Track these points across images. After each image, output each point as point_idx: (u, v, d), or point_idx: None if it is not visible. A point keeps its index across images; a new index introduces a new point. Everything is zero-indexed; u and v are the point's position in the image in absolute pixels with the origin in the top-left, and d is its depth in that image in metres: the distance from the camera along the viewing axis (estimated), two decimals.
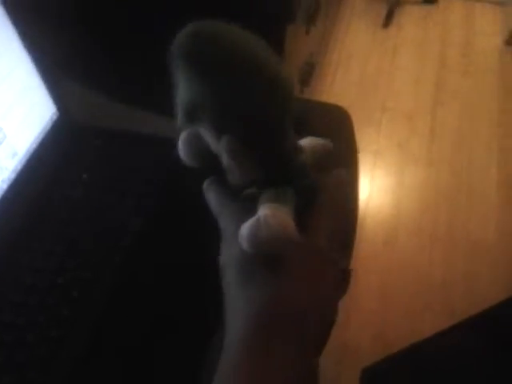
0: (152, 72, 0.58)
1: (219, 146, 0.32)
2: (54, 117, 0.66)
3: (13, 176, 0.59)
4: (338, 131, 0.77)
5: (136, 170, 0.65)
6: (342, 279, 0.35)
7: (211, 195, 0.36)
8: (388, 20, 2.43)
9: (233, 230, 0.32)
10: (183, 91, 0.31)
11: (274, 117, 0.31)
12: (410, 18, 2.49)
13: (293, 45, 1.09)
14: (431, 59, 2.31)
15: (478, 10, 2.53)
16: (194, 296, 0.54)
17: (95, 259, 0.57)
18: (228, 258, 0.33)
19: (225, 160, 0.32)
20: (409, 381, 0.99)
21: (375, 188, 1.91)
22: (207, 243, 0.38)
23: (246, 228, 0.30)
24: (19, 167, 0.60)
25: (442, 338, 1.06)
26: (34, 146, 0.63)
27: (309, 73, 1.41)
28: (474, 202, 1.87)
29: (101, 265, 0.56)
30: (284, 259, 0.31)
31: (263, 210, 0.31)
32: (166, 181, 0.64)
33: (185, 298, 0.54)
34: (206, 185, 0.37)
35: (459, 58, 2.33)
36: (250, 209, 0.32)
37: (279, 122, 0.32)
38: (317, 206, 0.34)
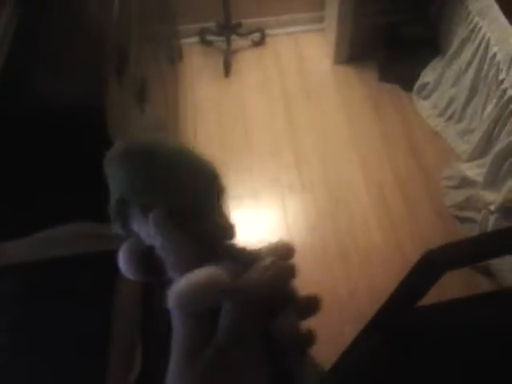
0: None
1: (149, 228, 0.32)
2: None
3: None
4: None
5: None
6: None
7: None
8: (227, 70, 2.57)
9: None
10: (112, 195, 0.33)
11: (193, 198, 0.34)
12: (246, 63, 2.66)
13: (128, 128, 1.11)
14: (275, 94, 2.47)
15: (302, 41, 2.76)
16: None
17: None
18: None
19: (157, 238, 0.32)
20: None
21: (262, 224, 1.98)
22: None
23: (171, 289, 0.30)
24: None
25: (352, 347, 1.10)
26: None
27: None
28: (351, 211, 1.99)
29: None
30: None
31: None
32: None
33: None
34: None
35: (298, 86, 2.51)
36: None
37: (200, 203, 0.34)
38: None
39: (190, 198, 0.34)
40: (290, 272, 0.33)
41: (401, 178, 2.09)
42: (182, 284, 0.30)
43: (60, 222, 0.72)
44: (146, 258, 0.33)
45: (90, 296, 0.64)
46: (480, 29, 1.95)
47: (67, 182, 0.85)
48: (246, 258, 0.33)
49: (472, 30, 2.01)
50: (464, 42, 2.08)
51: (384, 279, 1.76)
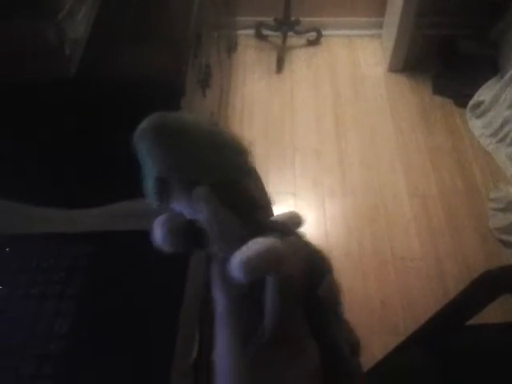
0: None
1: (193, 203, 0.32)
2: None
3: None
4: None
5: (48, 270, 0.63)
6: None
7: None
8: (279, 66, 2.57)
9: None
10: (150, 170, 0.33)
11: (231, 172, 0.34)
12: (299, 61, 2.65)
13: (192, 110, 1.13)
14: (325, 95, 2.46)
15: (358, 45, 2.74)
16: None
17: (25, 371, 0.54)
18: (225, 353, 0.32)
19: (202, 214, 0.32)
20: None
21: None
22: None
23: (236, 256, 0.30)
24: None
25: (390, 359, 1.09)
26: None
27: None
28: (391, 219, 1.97)
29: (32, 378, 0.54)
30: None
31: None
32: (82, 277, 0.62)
33: None
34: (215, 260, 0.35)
35: (350, 89, 2.50)
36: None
37: (238, 177, 0.34)
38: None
39: (229, 172, 0.34)
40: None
41: (445, 193, 2.05)
42: (248, 251, 0.30)
43: (130, 197, 0.73)
44: (184, 232, 0.33)
45: (159, 274, 0.65)
46: None
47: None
48: (282, 230, 0.34)
49: None
50: None
51: (419, 293, 1.74)
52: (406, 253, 1.86)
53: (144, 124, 0.33)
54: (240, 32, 2.71)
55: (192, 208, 0.33)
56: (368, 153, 2.22)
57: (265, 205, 0.36)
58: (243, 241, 0.32)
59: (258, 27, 2.73)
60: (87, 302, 0.61)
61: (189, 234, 0.34)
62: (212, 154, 0.34)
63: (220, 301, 0.33)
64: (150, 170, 0.33)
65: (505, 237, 1.86)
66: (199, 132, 0.34)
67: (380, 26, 2.72)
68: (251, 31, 2.75)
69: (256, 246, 0.31)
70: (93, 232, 0.68)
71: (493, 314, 1.58)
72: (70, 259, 0.64)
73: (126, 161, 0.85)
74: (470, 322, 0.98)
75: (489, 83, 2.33)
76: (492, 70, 2.37)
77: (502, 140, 2.17)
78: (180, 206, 0.34)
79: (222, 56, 1.93)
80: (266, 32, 2.74)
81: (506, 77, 2.17)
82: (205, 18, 1.27)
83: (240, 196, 0.34)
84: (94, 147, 0.83)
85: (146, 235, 0.68)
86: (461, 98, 2.40)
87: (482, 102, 2.30)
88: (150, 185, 0.33)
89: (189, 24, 0.95)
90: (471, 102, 2.34)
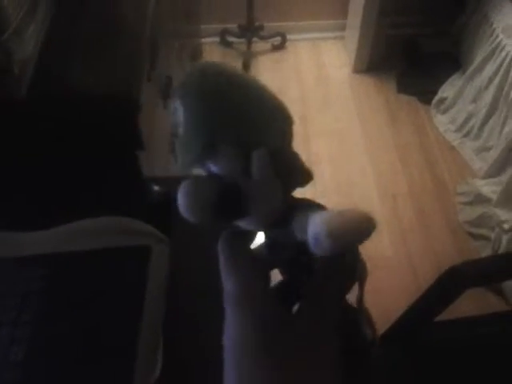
0: None
1: (251, 165, 0.30)
2: None
3: None
4: None
5: (1, 297, 0.61)
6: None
7: (225, 249, 0.32)
8: (245, 71, 2.57)
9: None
10: (195, 132, 0.30)
11: (281, 137, 0.33)
12: (265, 66, 2.66)
13: (152, 123, 1.12)
14: (292, 99, 2.47)
15: (322, 47, 2.76)
16: None
17: None
18: (238, 335, 0.30)
19: (257, 177, 0.30)
20: None
21: None
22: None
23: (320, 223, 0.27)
24: None
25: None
26: None
27: None
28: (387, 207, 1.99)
29: None
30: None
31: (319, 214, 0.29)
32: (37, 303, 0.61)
33: None
34: (222, 237, 0.33)
35: (316, 92, 2.52)
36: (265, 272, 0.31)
37: (285, 143, 0.33)
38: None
39: (279, 139, 0.32)
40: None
41: (415, 190, 2.08)
42: (333, 215, 0.28)
43: (86, 216, 0.71)
44: (215, 202, 0.30)
45: (117, 293, 0.64)
46: (504, 47, 1.95)
47: (93, 173, 0.85)
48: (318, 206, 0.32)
49: (495, 48, 2.01)
50: (486, 59, 2.08)
51: (391, 291, 1.75)
52: (378, 252, 1.88)
53: (188, 80, 0.31)
54: (204, 40, 2.70)
55: (236, 172, 0.30)
56: (337, 155, 2.24)
57: (307, 174, 0.33)
58: (283, 214, 0.30)
59: (223, 34, 2.73)
60: (43, 327, 0.60)
61: (221, 204, 0.30)
62: (261, 117, 0.31)
63: (229, 283, 0.31)
64: (195, 133, 0.30)
65: (474, 230, 1.89)
66: (247, 89, 0.31)
67: (343, 28, 2.75)
68: (216, 38, 2.75)
69: (347, 213, 0.28)
70: (46, 254, 0.66)
71: (465, 307, 1.61)
72: (24, 284, 0.63)
73: (78, 180, 0.83)
74: (443, 316, 1.00)
75: (451, 79, 2.38)
76: (454, 66, 2.42)
77: (466, 135, 2.21)
78: (222, 170, 0.31)
79: (186, 65, 1.93)
80: (230, 39, 2.74)
81: (468, 72, 2.22)
82: (162, 28, 1.26)
83: (286, 163, 0.32)
84: (45, 167, 0.81)
85: (101, 255, 0.66)
86: (425, 95, 2.44)
87: (445, 98, 2.35)
88: (193, 148, 0.30)
89: (143, 36, 0.94)
90: (435, 99, 2.39)
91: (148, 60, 0.99)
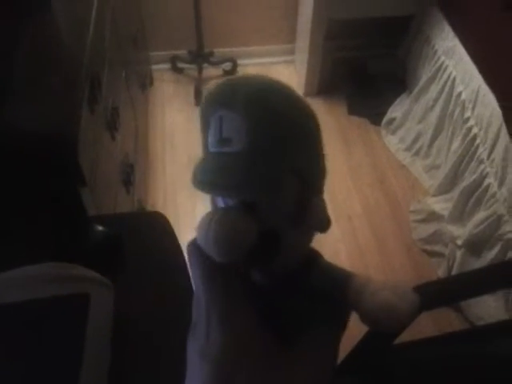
0: None
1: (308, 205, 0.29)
2: None
3: None
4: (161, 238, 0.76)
5: None
6: None
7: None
8: (198, 98, 2.56)
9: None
10: (274, 148, 0.28)
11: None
12: None
13: (99, 157, 1.08)
14: None
15: (273, 71, 2.78)
16: None
17: None
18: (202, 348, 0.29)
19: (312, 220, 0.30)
20: None
21: None
22: None
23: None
24: None
25: None
26: None
27: (129, 173, 1.41)
28: (320, 241, 1.98)
29: None
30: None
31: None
32: None
33: None
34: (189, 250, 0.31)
35: None
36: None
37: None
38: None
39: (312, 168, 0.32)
40: None
41: (369, 210, 2.10)
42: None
43: (19, 263, 0.67)
44: (255, 244, 0.28)
45: (55, 343, 0.60)
46: (446, 68, 2.02)
47: (29, 216, 0.80)
48: None
49: (438, 69, 2.08)
50: (431, 80, 2.15)
51: None
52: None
53: (249, 90, 0.29)
54: (155, 67, 2.69)
55: (273, 211, 0.28)
56: None
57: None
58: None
59: (173, 61, 2.72)
60: None
61: (258, 250, 0.28)
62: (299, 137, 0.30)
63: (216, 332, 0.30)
64: (274, 153, 0.28)
65: (428, 247, 1.92)
66: (287, 106, 0.30)
67: (293, 52, 2.79)
68: (167, 65, 2.74)
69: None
70: None
71: (426, 327, 1.62)
72: None
73: (11, 220, 0.78)
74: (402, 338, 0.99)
75: (399, 100, 2.44)
76: (401, 87, 2.49)
77: (416, 153, 2.26)
78: (267, 205, 0.28)
79: (134, 94, 1.89)
80: (181, 65, 2.73)
81: (414, 93, 2.28)
82: (105, 58, 1.23)
83: (318, 214, 0.31)
84: None
85: (37, 305, 0.62)
86: (375, 116, 2.49)
87: (394, 119, 2.40)
88: (270, 170, 0.28)
89: (80, 71, 0.91)
90: (385, 119, 2.44)
91: (88, 93, 0.95)
